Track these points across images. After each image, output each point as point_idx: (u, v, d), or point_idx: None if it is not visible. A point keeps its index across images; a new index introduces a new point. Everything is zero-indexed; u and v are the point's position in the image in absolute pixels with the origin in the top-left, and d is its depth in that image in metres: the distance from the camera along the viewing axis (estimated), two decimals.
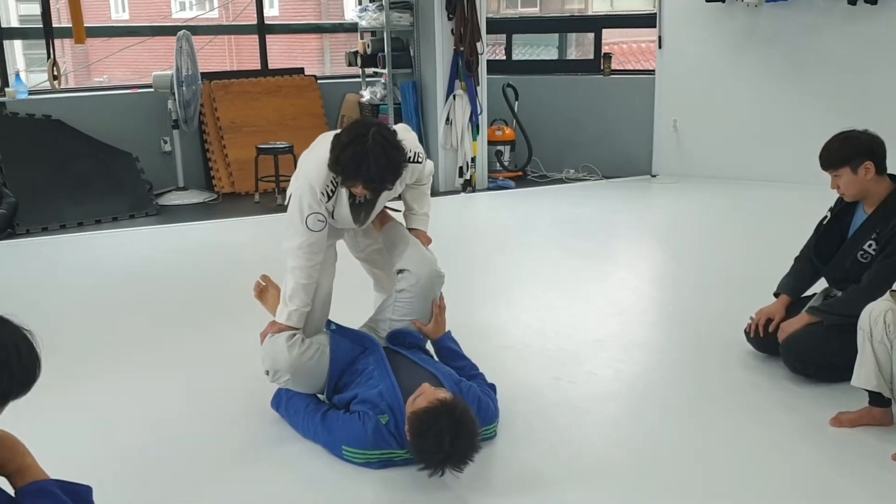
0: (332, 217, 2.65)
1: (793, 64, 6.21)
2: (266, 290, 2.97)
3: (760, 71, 6.34)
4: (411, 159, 2.62)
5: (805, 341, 2.86)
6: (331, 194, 2.57)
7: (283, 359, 2.55)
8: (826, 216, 3.04)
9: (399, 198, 2.90)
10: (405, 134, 2.68)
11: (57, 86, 6.26)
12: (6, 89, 6.01)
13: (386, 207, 2.87)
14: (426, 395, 2.27)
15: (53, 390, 2.96)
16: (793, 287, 3.08)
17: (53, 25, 6.35)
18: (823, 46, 6.08)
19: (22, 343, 1.48)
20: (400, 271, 2.75)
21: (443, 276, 2.79)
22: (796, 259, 3.14)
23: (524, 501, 2.25)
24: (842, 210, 2.98)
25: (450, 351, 2.80)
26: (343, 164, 2.44)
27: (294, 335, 2.61)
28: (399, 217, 2.93)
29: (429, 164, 2.84)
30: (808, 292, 3.10)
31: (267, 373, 2.63)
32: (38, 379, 1.53)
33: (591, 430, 2.66)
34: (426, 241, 2.86)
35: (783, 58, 6.23)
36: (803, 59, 6.16)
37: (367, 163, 2.39)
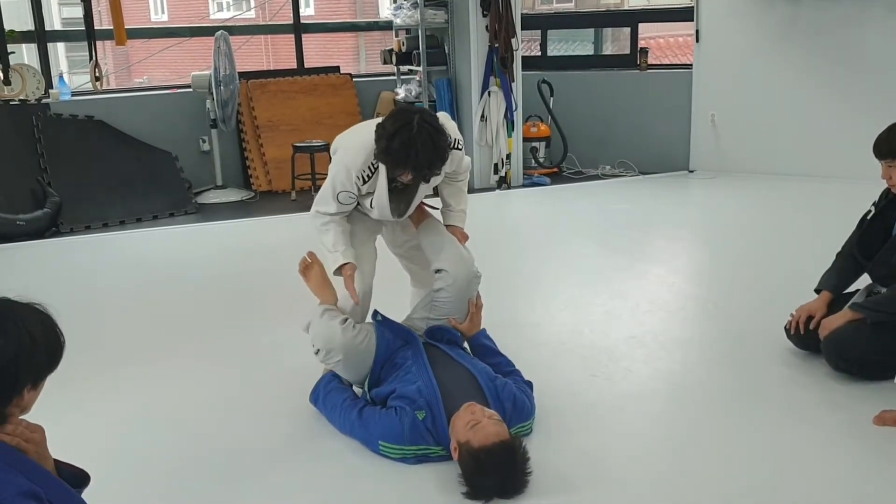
0: (371, 206, 2.68)
1: (834, 57, 6.08)
2: (311, 267, 2.99)
3: (801, 64, 6.22)
4: (452, 146, 2.63)
5: (847, 338, 2.80)
6: (366, 178, 2.61)
7: (338, 339, 2.59)
8: (869, 211, 2.98)
9: (436, 194, 2.91)
10: (445, 121, 2.70)
11: (99, 87, 6.39)
12: (50, 91, 6.14)
13: (423, 203, 2.88)
14: (485, 426, 2.22)
15: (95, 385, 3.04)
16: (835, 283, 3.02)
17: (95, 28, 6.47)
18: (867, 39, 5.95)
19: (34, 324, 1.46)
20: (437, 271, 2.76)
21: (479, 276, 2.80)
22: (838, 255, 3.08)
23: (558, 500, 2.24)
24: (887, 205, 2.92)
25: (485, 348, 2.81)
26: (392, 153, 2.46)
27: (347, 319, 2.66)
28: (437, 214, 2.93)
29: (466, 158, 2.85)
30: (850, 289, 3.04)
31: (317, 352, 2.66)
32: (64, 348, 1.52)
33: (627, 427, 2.64)
34: (463, 237, 2.87)
35: (824, 51, 6.11)
36: (845, 52, 6.04)
37: (416, 149, 2.41)
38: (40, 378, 1.49)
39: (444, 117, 2.73)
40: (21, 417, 1.50)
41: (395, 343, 2.67)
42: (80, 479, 1.62)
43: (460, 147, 2.73)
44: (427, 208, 2.91)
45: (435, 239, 2.81)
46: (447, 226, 2.88)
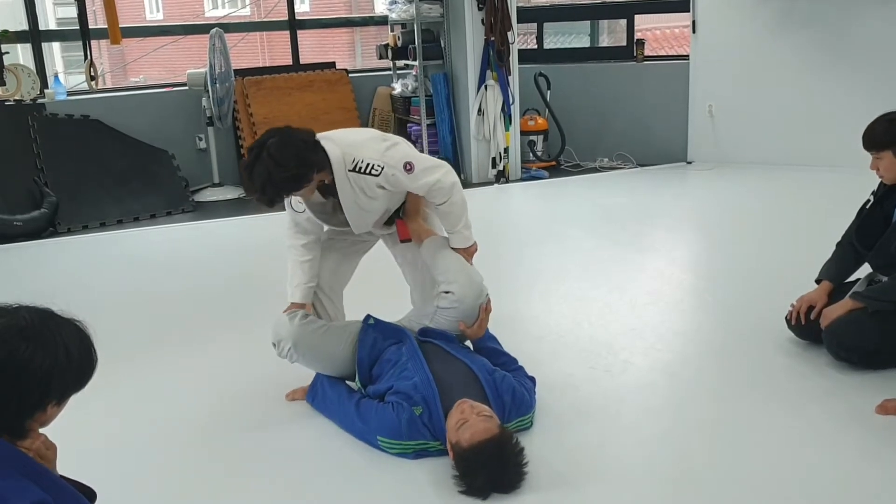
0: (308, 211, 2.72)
1: (832, 46, 6.07)
2: None
3: (798, 53, 6.20)
4: (362, 170, 2.54)
5: (849, 328, 2.79)
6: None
7: (285, 329, 2.66)
8: (868, 200, 2.97)
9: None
10: (376, 144, 2.59)
11: (94, 86, 6.36)
12: (46, 91, 6.12)
13: (402, 218, 2.82)
14: (473, 424, 2.21)
15: (92, 384, 3.01)
16: (835, 273, 3.02)
17: (90, 27, 6.45)
18: (864, 28, 5.93)
19: (71, 340, 1.46)
20: (445, 292, 2.70)
21: (487, 297, 2.74)
22: (838, 245, 3.07)
23: (557, 493, 2.24)
24: (885, 194, 2.91)
25: (489, 350, 2.77)
26: (242, 173, 2.56)
27: (295, 312, 2.70)
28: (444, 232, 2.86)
29: (431, 178, 2.61)
30: (851, 278, 3.03)
31: (274, 346, 2.71)
32: (95, 370, 1.52)
33: (626, 419, 2.64)
34: (468, 257, 2.79)
35: (822, 40, 6.09)
36: (843, 41, 6.02)
37: (252, 176, 2.46)
38: (67, 395, 1.48)
39: (364, 139, 2.62)
40: (39, 431, 1.49)
41: (383, 343, 2.65)
42: (86, 496, 1.60)
43: (376, 173, 2.55)
44: (425, 225, 2.84)
45: (438, 257, 2.74)
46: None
